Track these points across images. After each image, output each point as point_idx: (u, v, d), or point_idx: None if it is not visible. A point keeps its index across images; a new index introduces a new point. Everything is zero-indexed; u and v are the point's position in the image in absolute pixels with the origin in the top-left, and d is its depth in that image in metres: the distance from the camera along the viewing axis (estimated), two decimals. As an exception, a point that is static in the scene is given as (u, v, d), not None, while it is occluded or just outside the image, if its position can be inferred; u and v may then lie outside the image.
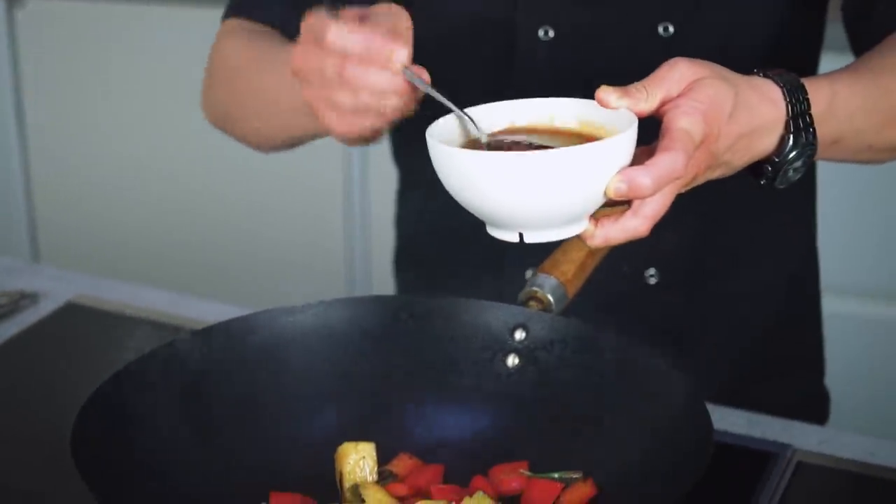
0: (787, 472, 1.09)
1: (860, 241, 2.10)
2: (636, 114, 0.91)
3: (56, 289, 1.41)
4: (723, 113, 0.93)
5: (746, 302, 1.29)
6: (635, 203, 0.91)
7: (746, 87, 0.95)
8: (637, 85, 0.93)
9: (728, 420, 1.17)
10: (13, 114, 2.63)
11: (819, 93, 1.00)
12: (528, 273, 1.20)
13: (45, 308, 1.38)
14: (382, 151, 1.41)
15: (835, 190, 1.58)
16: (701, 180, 0.96)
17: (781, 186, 1.00)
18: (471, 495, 0.96)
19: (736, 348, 1.30)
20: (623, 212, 0.92)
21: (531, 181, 0.88)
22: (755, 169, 1.00)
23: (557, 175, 0.88)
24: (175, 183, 2.55)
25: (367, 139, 1.03)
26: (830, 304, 1.39)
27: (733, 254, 1.27)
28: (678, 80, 0.93)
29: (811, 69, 1.26)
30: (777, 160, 0.98)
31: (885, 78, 1.05)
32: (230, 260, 2.53)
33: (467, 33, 1.21)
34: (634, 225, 0.92)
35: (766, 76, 0.98)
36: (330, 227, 2.45)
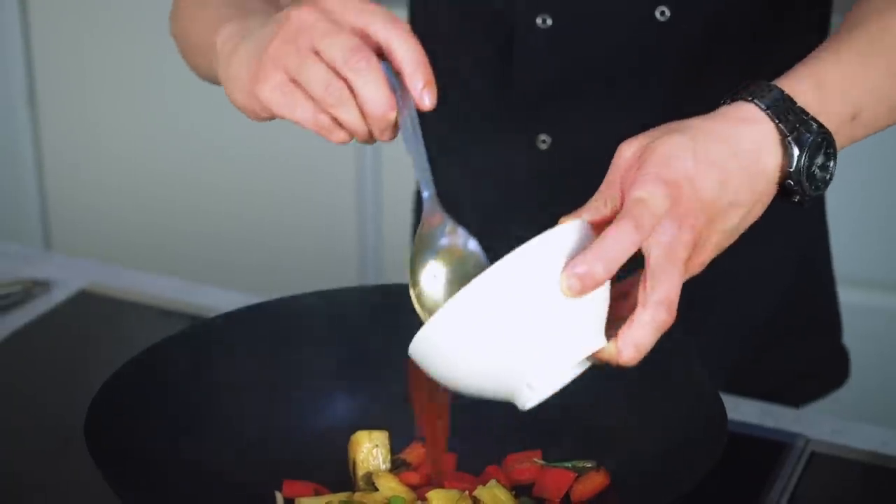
0: (801, 462, 1.09)
1: (872, 231, 2.09)
2: (600, 219, 0.84)
3: (68, 277, 1.41)
4: (681, 164, 0.84)
5: (757, 277, 1.29)
6: (640, 295, 0.82)
7: (708, 123, 0.87)
8: (594, 196, 0.86)
9: (741, 410, 1.17)
10: (26, 102, 2.63)
11: (798, 79, 0.91)
12: None
13: (57, 296, 1.38)
14: (396, 140, 1.40)
15: (845, 181, 1.58)
16: (717, 238, 0.87)
17: (819, 193, 0.91)
18: (484, 484, 0.96)
19: (749, 318, 1.29)
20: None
21: (475, 327, 0.79)
22: (781, 192, 0.91)
23: (499, 303, 0.79)
24: (188, 171, 2.55)
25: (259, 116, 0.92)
26: (842, 295, 1.39)
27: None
28: (626, 164, 0.86)
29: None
30: (791, 170, 0.89)
31: (867, 29, 0.95)
32: (242, 248, 2.53)
33: (466, 22, 1.20)
34: (650, 317, 0.81)
35: (732, 100, 0.89)
36: (342, 216, 2.45)
